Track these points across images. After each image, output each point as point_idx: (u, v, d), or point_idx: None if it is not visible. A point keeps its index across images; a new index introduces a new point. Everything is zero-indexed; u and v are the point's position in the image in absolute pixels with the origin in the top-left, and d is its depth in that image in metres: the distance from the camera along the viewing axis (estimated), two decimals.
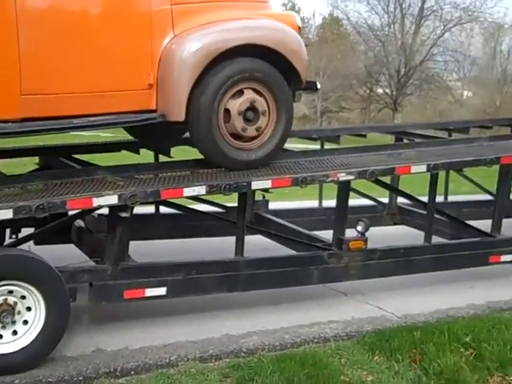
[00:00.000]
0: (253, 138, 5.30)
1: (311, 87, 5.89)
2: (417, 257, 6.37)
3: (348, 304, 6.17)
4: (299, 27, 5.59)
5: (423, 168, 5.96)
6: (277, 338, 5.25)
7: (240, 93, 5.14)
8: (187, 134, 5.75)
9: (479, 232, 6.92)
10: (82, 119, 4.69)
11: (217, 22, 5.08)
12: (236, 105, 5.12)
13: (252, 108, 5.19)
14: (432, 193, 6.46)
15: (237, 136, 5.22)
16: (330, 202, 6.89)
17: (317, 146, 7.57)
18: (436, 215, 6.79)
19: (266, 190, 6.47)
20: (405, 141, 7.73)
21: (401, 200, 7.87)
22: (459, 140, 7.46)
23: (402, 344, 5.19)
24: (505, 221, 7.25)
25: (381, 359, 5.02)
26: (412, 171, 5.94)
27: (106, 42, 4.73)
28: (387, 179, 7.22)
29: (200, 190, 4.97)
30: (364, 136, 7.89)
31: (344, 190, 5.98)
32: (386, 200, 8.02)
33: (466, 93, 38.31)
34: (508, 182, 7.07)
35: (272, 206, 7.40)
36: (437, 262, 6.48)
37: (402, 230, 7.92)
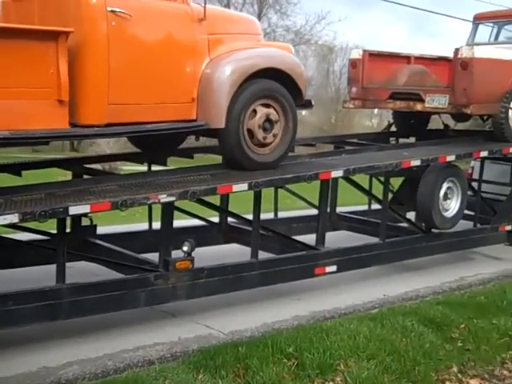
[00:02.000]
0: (268, 144, 6.53)
1: (309, 104, 7.14)
2: (244, 273, 6.53)
3: (176, 325, 6.18)
4: None
5: (245, 186, 6.13)
6: (99, 365, 5.16)
7: (262, 106, 6.38)
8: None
9: (304, 245, 7.22)
10: (150, 125, 5.81)
11: (239, 49, 6.33)
12: (259, 115, 6.35)
13: (268, 119, 6.41)
14: (256, 210, 6.67)
15: (256, 142, 6.43)
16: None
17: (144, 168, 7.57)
18: (264, 231, 7.02)
19: (85, 215, 6.39)
20: None
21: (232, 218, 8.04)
22: None
23: (226, 360, 5.26)
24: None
25: (205, 377, 5.04)
26: (234, 190, 6.09)
27: (165, 65, 5.90)
28: (217, 198, 7.39)
29: (12, 219, 4.82)
30: (191, 157, 7.98)
31: (167, 211, 6.02)
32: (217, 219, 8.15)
33: (303, 112, 39.84)
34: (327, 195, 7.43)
35: (104, 229, 7.32)
36: (264, 277, 6.67)
37: (236, 248, 8.10)
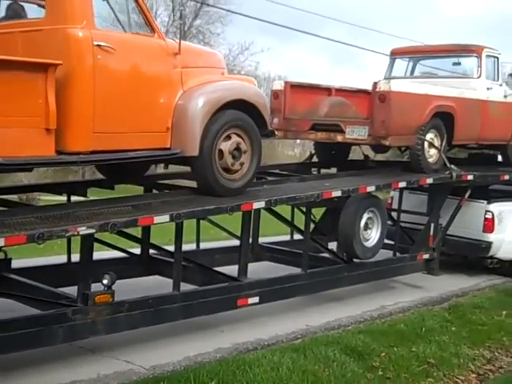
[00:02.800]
0: (236, 171, 6.81)
1: (271, 134, 7.70)
2: (166, 306, 6.43)
3: (95, 361, 6.01)
4: None
5: (166, 218, 6.07)
6: None
7: (228, 137, 6.68)
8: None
9: (227, 277, 7.19)
10: (132, 153, 6.08)
11: (208, 82, 6.68)
12: (228, 144, 6.67)
13: (237, 148, 6.74)
14: (178, 241, 6.60)
15: (226, 170, 6.73)
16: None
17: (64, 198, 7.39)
18: (185, 263, 6.95)
19: None
20: (154, 191, 7.81)
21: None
22: None
23: None
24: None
25: None
26: (155, 221, 6.01)
27: (144, 96, 6.18)
28: (138, 229, 7.27)
29: None
30: (112, 188, 7.85)
31: (86, 243, 5.88)
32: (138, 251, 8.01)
33: None
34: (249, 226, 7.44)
35: (19, 263, 7.08)
36: (186, 309, 6.60)
37: (157, 279, 7.97)
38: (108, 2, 5.97)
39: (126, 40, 6.07)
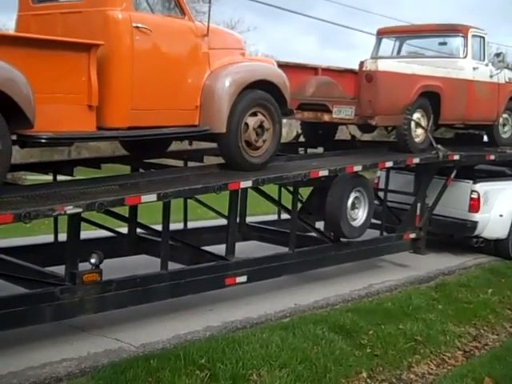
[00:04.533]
0: (259, 148, 7.16)
1: (291, 112, 7.76)
2: (154, 285, 6.42)
3: (85, 339, 5.99)
4: None
5: (153, 197, 6.03)
6: None
7: (252, 115, 7.02)
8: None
9: (214, 256, 7.19)
10: (166, 129, 6.45)
11: (233, 63, 6.97)
12: (252, 121, 7.01)
13: (260, 126, 7.07)
14: (166, 220, 6.58)
15: (249, 144, 7.04)
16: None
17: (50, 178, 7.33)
18: (173, 242, 6.93)
19: None
20: (140, 170, 7.78)
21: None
22: (190, 168, 7.70)
23: (137, 374, 5.15)
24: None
25: None
26: (142, 201, 5.97)
27: (176, 75, 6.50)
28: (126, 209, 7.24)
29: None
30: (99, 167, 7.80)
31: (74, 222, 5.85)
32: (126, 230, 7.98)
33: None
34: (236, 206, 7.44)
35: (5, 242, 7.04)
36: (174, 288, 6.59)
37: (145, 259, 7.95)
38: None
39: (161, 22, 6.36)
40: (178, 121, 6.59)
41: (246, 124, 7.00)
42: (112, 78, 5.88)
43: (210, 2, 6.72)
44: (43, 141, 5.40)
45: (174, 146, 8.43)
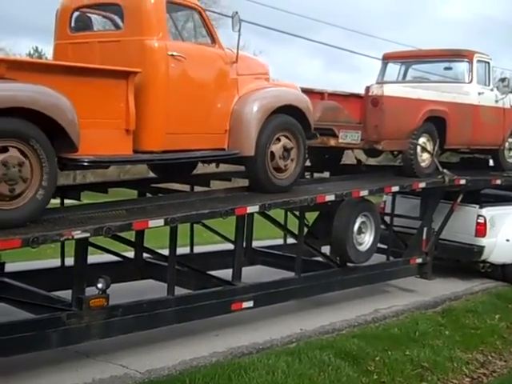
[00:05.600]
0: (285, 170, 7.42)
1: (314, 136, 7.92)
2: (161, 310, 6.41)
3: (89, 365, 5.98)
4: None
5: (161, 222, 6.04)
6: None
7: (278, 139, 7.25)
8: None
9: (221, 281, 7.17)
10: (198, 153, 6.74)
11: (259, 89, 7.23)
12: (279, 145, 7.24)
13: (286, 149, 7.32)
14: (172, 245, 6.59)
15: (275, 167, 7.29)
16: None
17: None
18: (180, 267, 6.93)
19: None
20: (147, 194, 7.80)
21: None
22: (197, 193, 7.71)
23: None
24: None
25: None
26: (150, 225, 5.99)
27: (208, 100, 6.74)
28: (132, 233, 7.24)
29: None
30: (106, 192, 7.82)
31: (81, 247, 5.86)
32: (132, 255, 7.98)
33: None
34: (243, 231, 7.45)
35: (12, 266, 7.05)
36: (181, 313, 6.59)
37: (151, 283, 7.94)
38: (178, 16, 6.81)
39: (193, 50, 6.66)
40: (208, 144, 6.84)
41: (273, 147, 7.21)
42: (148, 104, 6.13)
43: (239, 31, 6.86)
44: (85, 164, 5.66)
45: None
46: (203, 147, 6.78)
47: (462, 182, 9.76)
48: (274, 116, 7.16)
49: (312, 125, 7.71)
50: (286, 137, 7.36)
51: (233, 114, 6.95)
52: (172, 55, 6.26)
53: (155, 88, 6.20)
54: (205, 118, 6.73)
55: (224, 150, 6.95)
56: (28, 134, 5.11)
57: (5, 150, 5.05)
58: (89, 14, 6.90)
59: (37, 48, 30.29)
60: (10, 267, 6.89)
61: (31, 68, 5.49)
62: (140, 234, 7.66)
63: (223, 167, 8.41)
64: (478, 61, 10.49)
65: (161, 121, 6.27)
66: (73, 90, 5.44)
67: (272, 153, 7.19)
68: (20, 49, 48.25)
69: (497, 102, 10.72)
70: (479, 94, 10.37)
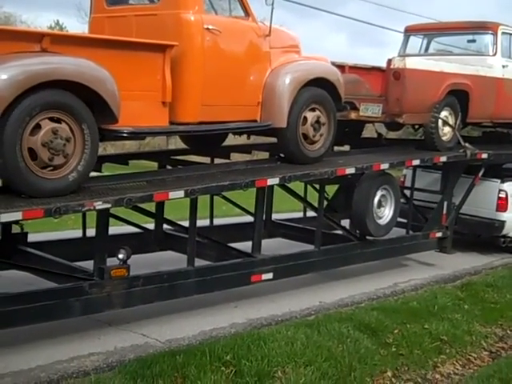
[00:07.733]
0: (316, 142, 7.50)
1: (344, 108, 8.13)
2: (181, 281, 6.47)
3: (111, 334, 6.07)
4: None
5: (181, 194, 6.07)
6: (32, 377, 5.00)
7: (310, 111, 7.35)
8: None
9: (241, 253, 7.21)
10: (232, 124, 6.85)
11: (291, 62, 7.31)
12: (310, 117, 7.34)
13: (317, 121, 7.40)
14: (192, 217, 6.62)
15: (306, 138, 7.38)
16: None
17: None
18: (200, 239, 6.97)
19: (16, 222, 6.21)
20: (167, 166, 7.83)
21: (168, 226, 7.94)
22: (217, 165, 7.73)
23: (163, 369, 5.20)
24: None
25: None
26: (170, 197, 6.01)
27: (242, 73, 6.91)
28: (152, 205, 7.28)
29: None
30: (126, 164, 7.85)
31: (102, 218, 5.91)
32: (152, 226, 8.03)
33: None
34: (263, 203, 7.45)
35: (35, 237, 7.13)
36: (201, 284, 6.63)
37: (171, 255, 8.00)
38: None
39: (228, 23, 6.72)
40: (242, 116, 6.93)
41: (305, 119, 7.31)
42: (184, 76, 6.26)
43: (272, 4, 6.88)
44: (125, 135, 5.80)
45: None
46: (237, 119, 6.88)
47: (484, 156, 9.67)
48: (306, 88, 7.24)
49: (343, 97, 7.80)
50: (317, 109, 7.45)
51: (265, 86, 7.06)
52: (207, 28, 6.36)
53: (191, 61, 6.32)
54: (238, 91, 6.85)
55: (256, 121, 7.07)
56: (73, 106, 5.26)
57: (57, 121, 5.21)
58: None
59: (58, 21, 30.39)
60: (32, 237, 6.97)
61: (74, 42, 5.60)
62: (160, 206, 7.68)
63: (241, 140, 8.39)
64: (503, 33, 10.31)
65: (196, 93, 6.40)
66: (112, 63, 5.56)
67: (303, 124, 7.30)
68: (41, 22, 48.33)
69: None
70: (503, 66, 10.22)
